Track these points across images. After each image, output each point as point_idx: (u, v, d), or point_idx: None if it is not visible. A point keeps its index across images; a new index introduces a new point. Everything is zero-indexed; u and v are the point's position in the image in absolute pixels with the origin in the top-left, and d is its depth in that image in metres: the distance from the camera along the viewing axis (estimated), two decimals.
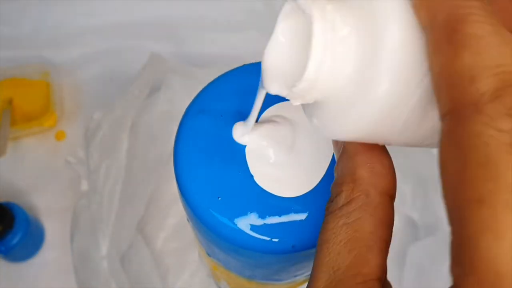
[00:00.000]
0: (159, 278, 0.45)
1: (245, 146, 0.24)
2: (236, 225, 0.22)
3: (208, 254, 0.29)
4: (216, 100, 0.25)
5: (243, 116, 0.24)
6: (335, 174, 0.19)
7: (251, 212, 0.23)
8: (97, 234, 0.42)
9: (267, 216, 0.23)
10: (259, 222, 0.22)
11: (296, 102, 0.17)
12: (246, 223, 0.22)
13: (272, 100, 0.25)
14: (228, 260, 0.27)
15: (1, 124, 0.51)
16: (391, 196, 0.18)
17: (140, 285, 0.44)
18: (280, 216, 0.23)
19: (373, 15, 0.15)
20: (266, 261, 0.24)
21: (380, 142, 0.17)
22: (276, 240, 0.22)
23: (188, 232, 0.28)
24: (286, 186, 0.23)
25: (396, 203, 0.53)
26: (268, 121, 0.25)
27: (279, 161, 0.24)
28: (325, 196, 0.23)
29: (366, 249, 0.16)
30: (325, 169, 0.24)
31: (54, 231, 0.49)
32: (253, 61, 0.26)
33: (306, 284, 0.30)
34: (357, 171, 0.17)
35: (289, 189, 0.23)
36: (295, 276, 0.28)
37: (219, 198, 0.23)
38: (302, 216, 0.23)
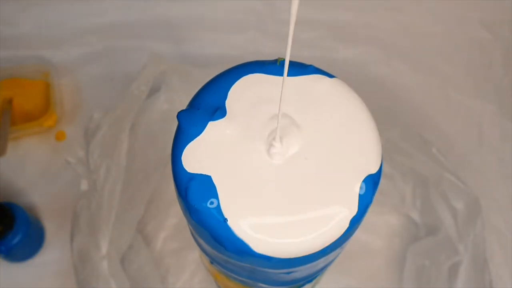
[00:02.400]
0: (159, 278, 0.45)
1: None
2: (237, 225, 0.22)
3: (211, 262, 0.29)
4: (210, 98, 0.25)
5: (222, 111, 0.24)
6: None
7: (250, 214, 0.22)
8: (97, 234, 0.42)
9: (268, 218, 0.22)
10: (259, 221, 0.22)
11: None
12: (246, 224, 0.22)
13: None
14: (228, 265, 0.27)
15: (1, 124, 0.51)
16: None
17: (140, 285, 0.44)
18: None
19: None
20: (266, 265, 0.24)
21: None
22: (277, 241, 0.22)
23: (188, 232, 0.28)
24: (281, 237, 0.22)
25: (396, 203, 0.54)
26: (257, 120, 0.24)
27: (272, 197, 0.23)
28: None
29: None
30: (356, 206, 0.23)
31: (54, 231, 0.49)
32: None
33: None
34: None
35: (286, 245, 0.22)
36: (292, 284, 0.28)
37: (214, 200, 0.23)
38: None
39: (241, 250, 0.22)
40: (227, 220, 0.22)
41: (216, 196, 0.22)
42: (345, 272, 0.46)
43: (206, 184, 0.23)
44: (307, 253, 0.23)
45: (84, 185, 0.44)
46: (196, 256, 0.47)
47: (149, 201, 0.48)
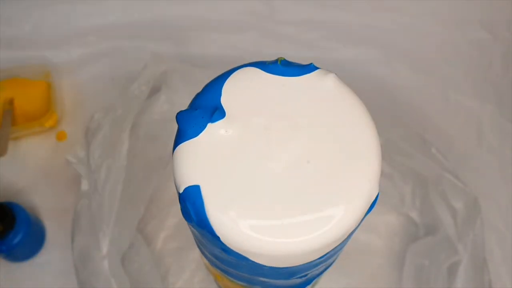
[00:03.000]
0: (159, 278, 0.45)
1: None
2: (238, 226, 0.21)
3: (211, 264, 0.29)
4: (208, 98, 0.25)
5: (220, 112, 0.23)
6: None
7: (245, 224, 0.21)
8: (98, 234, 0.42)
9: (265, 223, 0.21)
10: (256, 230, 0.21)
11: None
12: (241, 236, 0.21)
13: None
14: (227, 270, 0.27)
15: (2, 124, 0.51)
16: None
17: (141, 285, 0.44)
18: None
19: None
20: (265, 274, 0.24)
21: None
22: (275, 250, 0.21)
23: (188, 232, 0.28)
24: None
25: (396, 203, 0.54)
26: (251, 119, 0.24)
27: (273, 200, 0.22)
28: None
29: None
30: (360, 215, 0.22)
31: (55, 231, 0.49)
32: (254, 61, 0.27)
33: None
34: None
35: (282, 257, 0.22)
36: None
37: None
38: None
39: (238, 260, 0.22)
40: (219, 238, 0.21)
41: (203, 211, 0.21)
42: (345, 272, 0.46)
43: (195, 197, 0.21)
44: (305, 261, 0.22)
45: (84, 185, 0.44)
46: (196, 256, 0.47)
47: (149, 201, 0.48)
